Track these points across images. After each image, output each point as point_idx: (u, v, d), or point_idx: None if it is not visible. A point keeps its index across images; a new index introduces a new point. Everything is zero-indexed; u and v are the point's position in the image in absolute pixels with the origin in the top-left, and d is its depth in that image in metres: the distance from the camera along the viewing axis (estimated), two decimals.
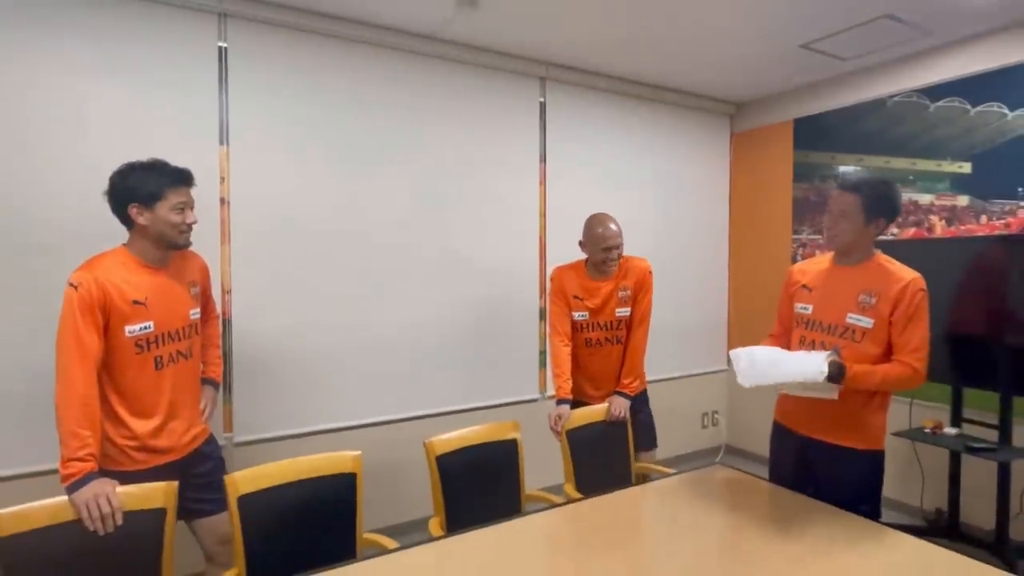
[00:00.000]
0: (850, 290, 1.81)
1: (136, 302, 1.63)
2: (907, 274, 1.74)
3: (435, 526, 1.84)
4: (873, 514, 1.70)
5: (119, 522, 1.46)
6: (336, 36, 2.81)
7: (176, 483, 1.57)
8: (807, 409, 1.84)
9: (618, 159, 3.78)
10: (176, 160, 2.41)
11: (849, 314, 1.79)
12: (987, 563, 1.42)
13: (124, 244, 1.71)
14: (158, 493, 1.53)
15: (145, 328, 1.65)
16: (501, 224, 3.33)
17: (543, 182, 3.48)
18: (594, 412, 2.37)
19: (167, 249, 1.73)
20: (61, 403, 1.51)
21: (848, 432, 1.79)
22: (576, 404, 2.38)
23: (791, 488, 1.86)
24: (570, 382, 2.41)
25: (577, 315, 2.44)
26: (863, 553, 1.46)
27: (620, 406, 2.38)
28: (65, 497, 1.44)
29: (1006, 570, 1.40)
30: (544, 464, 2.83)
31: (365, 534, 1.75)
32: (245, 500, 1.57)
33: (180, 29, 2.48)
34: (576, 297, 2.44)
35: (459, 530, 1.62)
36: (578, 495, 2.02)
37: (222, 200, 2.58)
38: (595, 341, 2.46)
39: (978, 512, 2.88)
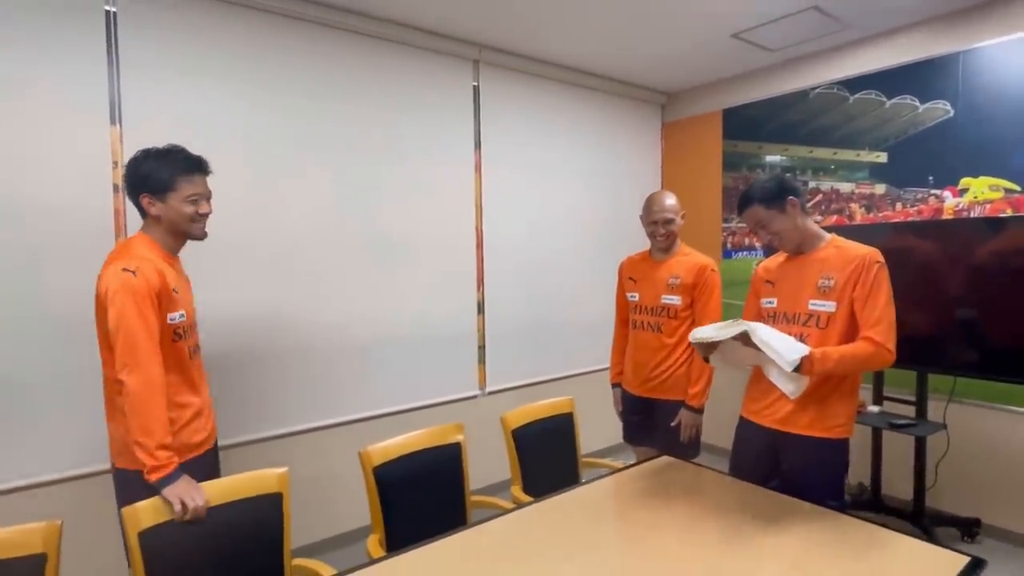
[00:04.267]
0: (809, 277, 1.81)
1: (174, 290, 1.60)
2: (861, 249, 1.75)
3: (374, 545, 1.69)
4: (841, 505, 1.70)
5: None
6: (248, 6, 2.53)
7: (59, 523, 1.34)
8: (774, 401, 1.82)
9: (553, 147, 3.70)
10: (59, 139, 2.13)
11: (811, 301, 1.78)
12: (907, 532, 1.50)
13: (142, 231, 1.65)
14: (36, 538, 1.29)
15: (181, 317, 1.62)
16: (435, 213, 3.16)
17: (478, 169, 3.34)
18: (537, 409, 2.27)
19: (182, 239, 1.68)
20: (143, 392, 1.45)
21: (816, 421, 1.76)
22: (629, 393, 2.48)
23: (755, 482, 1.84)
24: (618, 365, 2.56)
25: (629, 295, 2.49)
26: (845, 549, 1.45)
27: (688, 427, 2.28)
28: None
29: (924, 538, 1.48)
30: (488, 462, 2.73)
31: (295, 560, 1.57)
32: (148, 535, 1.35)
33: None
34: (630, 278, 2.49)
35: (401, 549, 1.47)
36: (527, 498, 1.92)
37: (116, 187, 2.26)
38: (638, 323, 2.43)
39: (897, 485, 3.05)
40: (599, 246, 3.93)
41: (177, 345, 1.61)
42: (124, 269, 1.48)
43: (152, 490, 1.42)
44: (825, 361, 1.65)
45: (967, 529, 2.81)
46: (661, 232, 2.33)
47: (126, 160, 2.24)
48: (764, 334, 1.65)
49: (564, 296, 3.77)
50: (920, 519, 2.77)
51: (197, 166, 1.65)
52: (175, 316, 1.59)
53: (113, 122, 2.26)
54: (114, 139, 2.26)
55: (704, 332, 1.73)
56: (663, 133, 4.39)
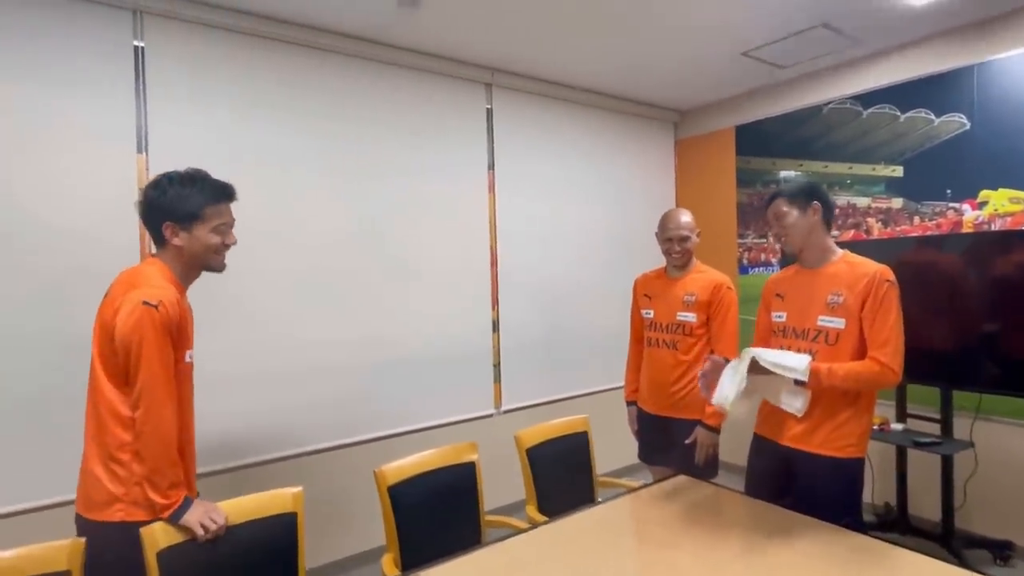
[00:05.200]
0: (818, 292, 1.80)
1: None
2: (872, 267, 1.73)
3: (389, 564, 1.69)
4: (857, 525, 1.66)
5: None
6: (268, 37, 2.62)
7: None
8: (788, 418, 1.80)
9: (566, 166, 3.74)
10: (87, 167, 2.21)
11: (820, 316, 1.77)
12: (935, 554, 1.45)
13: (157, 257, 1.53)
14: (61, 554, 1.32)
15: (191, 355, 1.56)
16: (449, 235, 3.21)
17: (492, 190, 3.38)
18: (552, 428, 2.27)
19: (199, 271, 1.58)
20: (157, 431, 1.40)
21: (828, 440, 1.74)
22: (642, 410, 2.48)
23: (769, 500, 1.82)
24: (634, 383, 2.56)
25: (644, 312, 2.48)
26: (844, 565, 1.42)
27: (703, 447, 2.23)
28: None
29: (954, 561, 1.44)
30: (504, 482, 2.72)
31: None
32: (166, 555, 1.38)
33: (90, 25, 2.24)
34: (645, 295, 2.50)
35: (415, 568, 1.47)
36: (542, 518, 1.91)
37: None
38: (653, 341, 2.43)
39: (925, 504, 2.96)
40: (613, 264, 3.94)
41: (187, 386, 1.54)
42: (145, 302, 1.38)
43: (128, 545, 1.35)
44: (832, 376, 1.65)
45: (999, 552, 2.71)
46: (676, 250, 2.33)
47: None
48: (768, 355, 1.66)
49: (579, 314, 3.77)
50: (949, 541, 2.69)
51: (225, 194, 1.56)
52: (191, 355, 1.54)
53: (140, 150, 2.35)
54: (140, 167, 2.35)
55: (727, 391, 1.67)
56: (676, 150, 4.40)
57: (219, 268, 1.60)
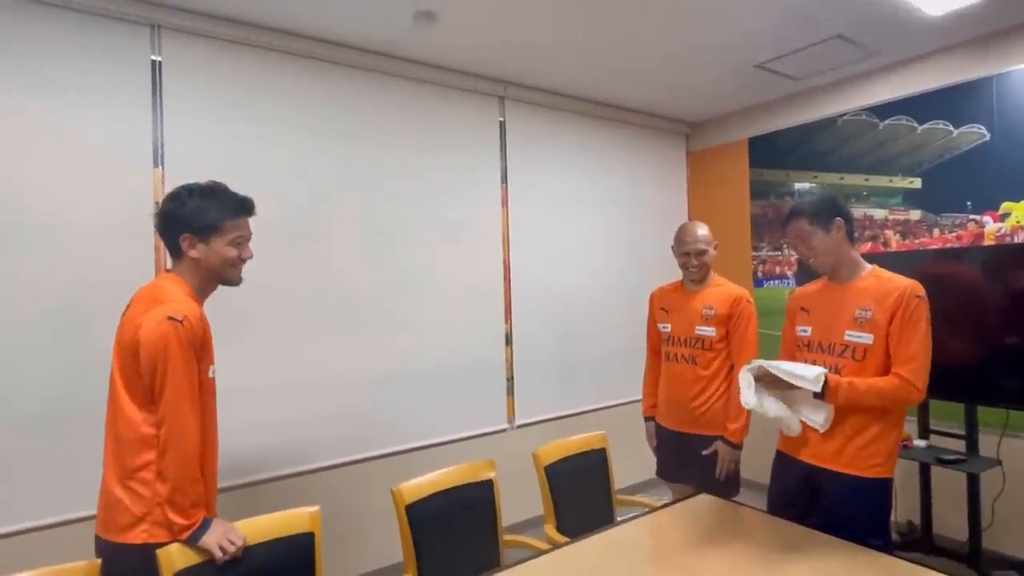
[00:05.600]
0: (846, 307, 1.76)
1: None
2: (902, 282, 1.70)
3: None
4: (885, 546, 1.61)
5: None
6: (283, 51, 2.63)
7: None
8: (813, 435, 1.76)
9: (578, 179, 3.73)
10: (104, 181, 2.21)
11: (847, 332, 1.73)
12: None
13: (173, 272, 1.52)
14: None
15: (214, 371, 1.53)
16: (463, 247, 3.19)
17: (505, 204, 3.37)
18: (569, 445, 2.23)
19: (216, 284, 1.57)
20: (181, 448, 1.37)
21: (854, 459, 1.69)
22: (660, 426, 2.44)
23: (793, 519, 1.77)
24: (651, 398, 2.51)
25: (661, 326, 2.44)
26: None
27: (724, 462, 2.19)
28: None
29: None
30: (518, 497, 2.68)
31: None
32: None
33: (109, 40, 2.25)
34: (662, 309, 2.45)
35: None
36: (561, 538, 1.87)
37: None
38: (672, 356, 2.38)
39: (949, 523, 2.89)
40: (626, 277, 3.90)
41: (210, 402, 1.52)
42: (171, 317, 1.36)
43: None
44: (852, 391, 1.63)
45: None
46: (694, 263, 2.30)
47: None
48: (782, 366, 1.64)
49: (592, 327, 3.74)
50: (977, 561, 2.61)
51: (244, 207, 1.55)
52: (213, 370, 1.52)
53: (156, 164, 2.35)
54: (156, 181, 2.35)
55: (749, 399, 1.65)
56: (688, 162, 4.38)
57: (236, 281, 1.58)
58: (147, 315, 1.39)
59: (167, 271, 1.54)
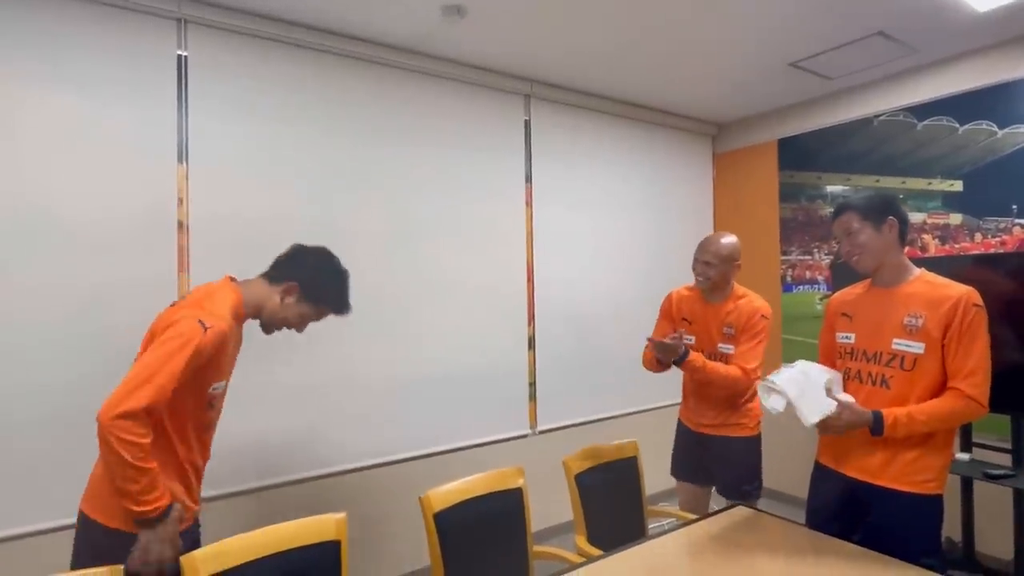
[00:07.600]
0: (894, 313, 1.66)
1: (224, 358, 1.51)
2: (957, 289, 1.59)
3: None
4: (938, 566, 1.52)
5: None
6: (309, 47, 2.59)
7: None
8: (856, 447, 1.67)
9: (604, 179, 3.65)
10: (128, 177, 2.19)
11: (895, 340, 1.63)
12: None
13: (243, 285, 1.58)
14: None
15: (220, 387, 1.54)
16: (486, 248, 3.13)
17: (529, 203, 3.30)
18: (600, 452, 2.15)
19: (253, 319, 1.61)
20: (128, 389, 1.33)
21: (905, 474, 1.60)
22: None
23: (835, 535, 1.68)
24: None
25: (685, 338, 2.28)
26: None
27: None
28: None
29: None
30: (542, 504, 2.60)
31: None
32: None
33: (134, 34, 2.22)
34: (685, 319, 2.35)
35: None
36: (593, 550, 1.79)
37: (180, 224, 2.30)
38: None
39: (992, 541, 2.76)
40: (652, 279, 3.81)
41: (208, 415, 1.53)
42: (200, 322, 1.39)
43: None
44: (912, 424, 1.54)
45: None
46: (699, 273, 2.24)
47: (189, 197, 2.31)
48: (792, 389, 1.62)
49: (616, 330, 3.65)
50: None
51: (339, 309, 1.67)
52: (218, 385, 1.52)
53: (180, 160, 2.32)
54: (180, 177, 2.31)
55: (773, 403, 1.67)
56: (715, 164, 4.29)
57: (267, 332, 1.65)
58: (185, 311, 1.42)
59: (242, 281, 1.60)
